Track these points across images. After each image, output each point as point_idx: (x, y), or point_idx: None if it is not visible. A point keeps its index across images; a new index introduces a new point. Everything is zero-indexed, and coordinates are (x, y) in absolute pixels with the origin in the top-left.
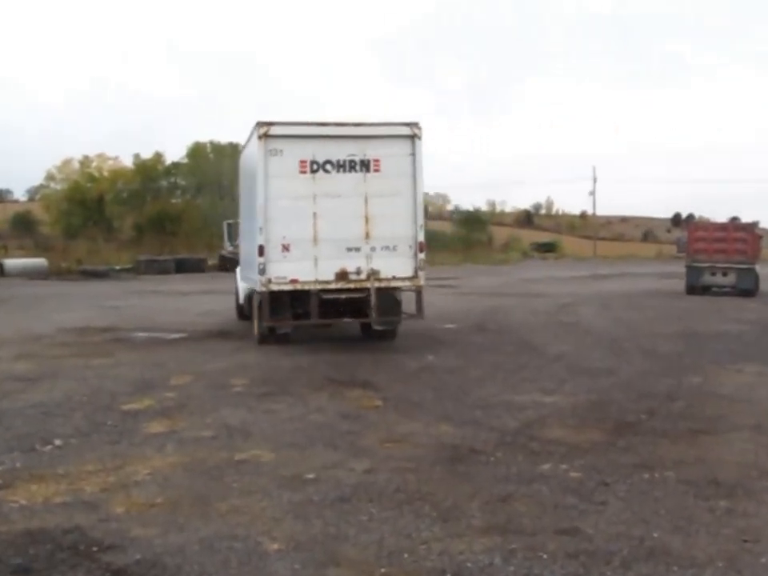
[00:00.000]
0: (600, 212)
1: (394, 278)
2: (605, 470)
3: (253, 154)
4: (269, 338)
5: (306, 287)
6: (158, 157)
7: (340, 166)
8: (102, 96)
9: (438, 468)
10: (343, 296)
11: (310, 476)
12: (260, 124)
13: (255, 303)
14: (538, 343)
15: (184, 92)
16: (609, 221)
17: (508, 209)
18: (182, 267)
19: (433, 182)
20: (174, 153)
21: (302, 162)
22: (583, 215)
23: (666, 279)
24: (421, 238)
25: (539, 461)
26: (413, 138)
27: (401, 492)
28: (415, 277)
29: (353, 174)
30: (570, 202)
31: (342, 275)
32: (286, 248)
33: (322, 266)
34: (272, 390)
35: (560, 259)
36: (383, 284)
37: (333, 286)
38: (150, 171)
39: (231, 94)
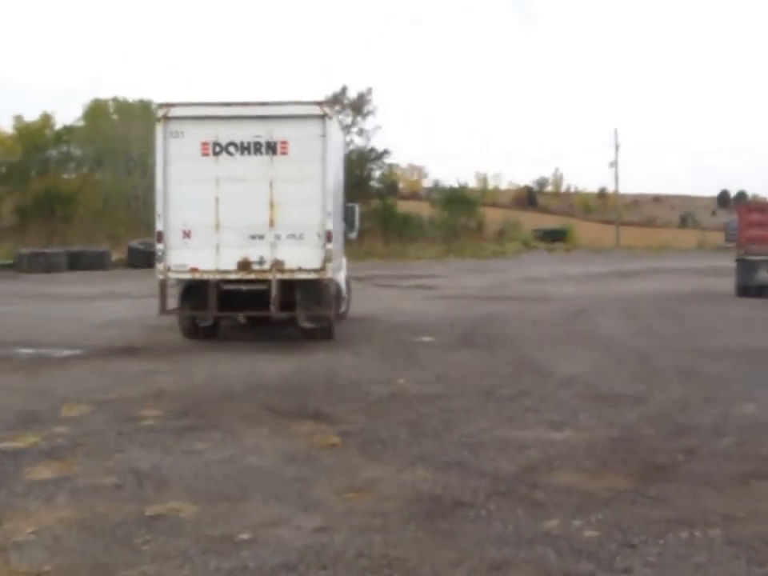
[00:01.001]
0: (624, 189)
1: (300, 269)
2: (630, 528)
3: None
4: (192, 331)
5: (206, 276)
6: (46, 119)
7: (244, 149)
8: None
9: (413, 526)
10: (244, 287)
11: (245, 536)
12: (160, 106)
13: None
14: (542, 362)
15: (78, 32)
16: (636, 200)
17: (504, 185)
18: (78, 263)
19: (406, 151)
20: (67, 114)
21: (204, 144)
22: (602, 193)
23: (709, 277)
24: (329, 226)
25: (544, 516)
26: (323, 117)
27: (363, 557)
28: (322, 269)
29: (258, 157)
30: (585, 176)
31: (244, 265)
32: (186, 234)
33: (224, 255)
34: (195, 424)
35: (572, 251)
36: (286, 275)
37: (233, 276)
38: (35, 138)
39: (142, 37)
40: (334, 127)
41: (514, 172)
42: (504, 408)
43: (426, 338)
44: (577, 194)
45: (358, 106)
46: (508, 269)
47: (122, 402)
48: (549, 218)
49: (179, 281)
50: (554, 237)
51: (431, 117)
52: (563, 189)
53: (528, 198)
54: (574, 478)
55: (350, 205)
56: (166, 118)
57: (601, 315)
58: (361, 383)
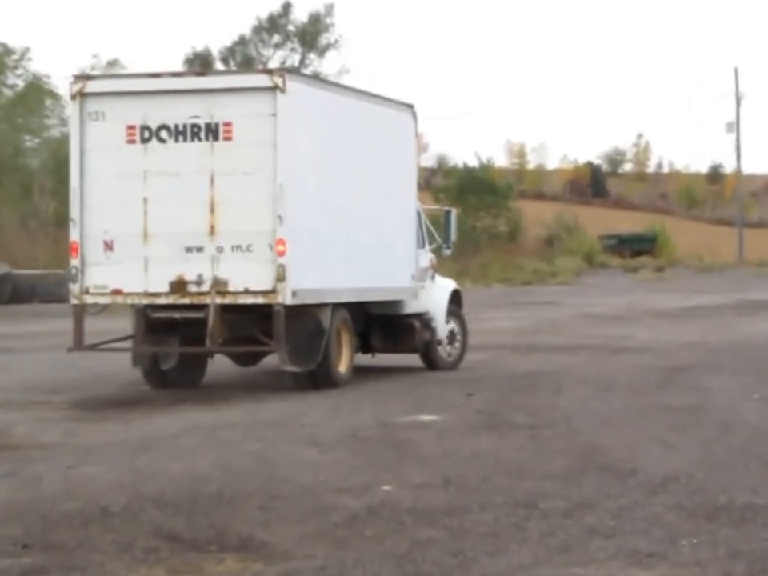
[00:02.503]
0: (751, 168)
1: (246, 290)
2: None
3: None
4: (153, 377)
5: (131, 301)
6: None
7: (179, 133)
8: None
9: None
10: (178, 315)
11: None
12: (74, 79)
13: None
14: (617, 453)
15: None
16: None
17: (552, 163)
18: None
19: None
20: None
21: (130, 127)
22: (715, 175)
23: None
24: (282, 234)
25: None
26: (274, 90)
27: None
28: (272, 291)
29: (196, 144)
30: (686, 147)
31: (179, 285)
32: (108, 246)
33: (153, 273)
34: (41, 566)
35: (666, 270)
36: (228, 299)
37: (164, 301)
38: None
39: None
40: (290, 102)
41: (568, 142)
42: (555, 530)
43: (427, 417)
44: (673, 176)
45: (310, 37)
46: (561, 300)
47: None
48: (627, 215)
49: (134, 307)
50: (637, 247)
51: (429, 54)
52: (650, 168)
53: (592, 184)
54: None
55: (445, 209)
56: (81, 94)
57: (713, 375)
58: (320, 490)
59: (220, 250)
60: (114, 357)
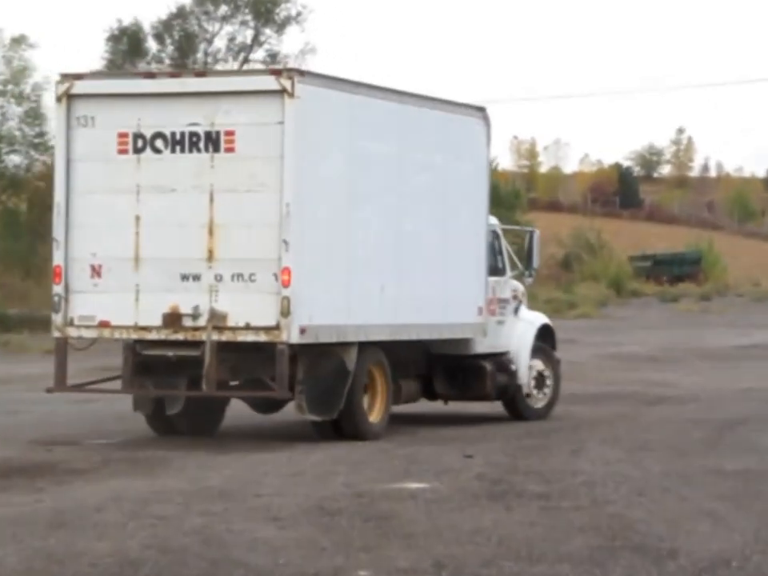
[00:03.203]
0: None
1: (248, 326)
2: None
3: None
4: (157, 423)
5: (119, 335)
6: None
7: (176, 143)
8: None
9: None
10: (171, 353)
11: None
12: (61, 78)
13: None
14: (653, 529)
15: None
16: None
17: (571, 165)
18: None
19: None
20: None
21: (122, 135)
22: None
23: None
24: (288, 262)
25: None
26: (282, 94)
27: None
28: (276, 328)
29: (194, 156)
30: (740, 147)
31: (173, 318)
32: (96, 271)
33: (145, 303)
34: None
35: (713, 298)
36: (226, 336)
37: (156, 336)
38: None
39: None
40: (301, 109)
41: (590, 140)
42: None
43: (416, 484)
44: (722, 181)
45: (266, 8)
46: (582, 337)
47: None
48: (665, 230)
49: (126, 344)
50: (677, 270)
51: (415, 31)
52: (693, 172)
53: (621, 192)
54: None
55: (527, 230)
56: (68, 95)
57: None
58: None
59: (219, 278)
60: (25, 403)
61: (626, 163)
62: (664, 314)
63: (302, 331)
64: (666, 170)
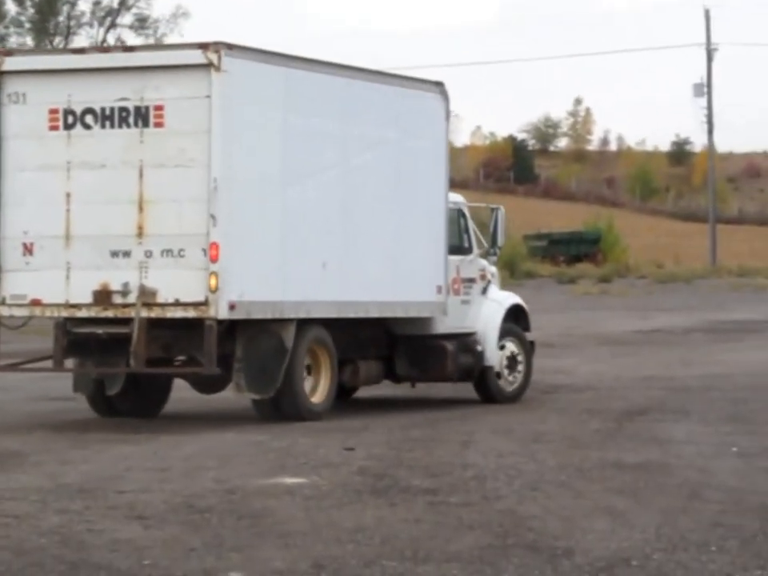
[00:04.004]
0: (726, 145)
1: (177, 302)
2: None
3: None
4: (98, 403)
5: (50, 313)
6: None
7: (106, 118)
8: None
9: None
10: (101, 330)
11: None
12: None
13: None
14: (548, 527)
15: None
16: (750, 165)
17: (461, 139)
18: None
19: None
20: None
21: (53, 111)
22: (680, 153)
23: None
24: (216, 237)
25: None
26: (209, 68)
27: None
28: (205, 303)
29: (124, 131)
30: (641, 117)
31: (103, 296)
32: (27, 249)
33: (75, 280)
34: None
35: (614, 280)
36: (155, 312)
37: (86, 313)
38: None
39: None
40: (228, 83)
41: (482, 112)
42: None
43: (292, 479)
44: (623, 155)
45: None
46: None
47: None
48: (562, 207)
49: (57, 322)
50: (574, 251)
51: None
52: (592, 145)
53: (515, 166)
54: None
55: (491, 207)
56: (0, 72)
57: (677, 422)
58: None
59: (149, 254)
60: None
61: (520, 136)
62: (561, 296)
63: (232, 307)
64: (562, 143)
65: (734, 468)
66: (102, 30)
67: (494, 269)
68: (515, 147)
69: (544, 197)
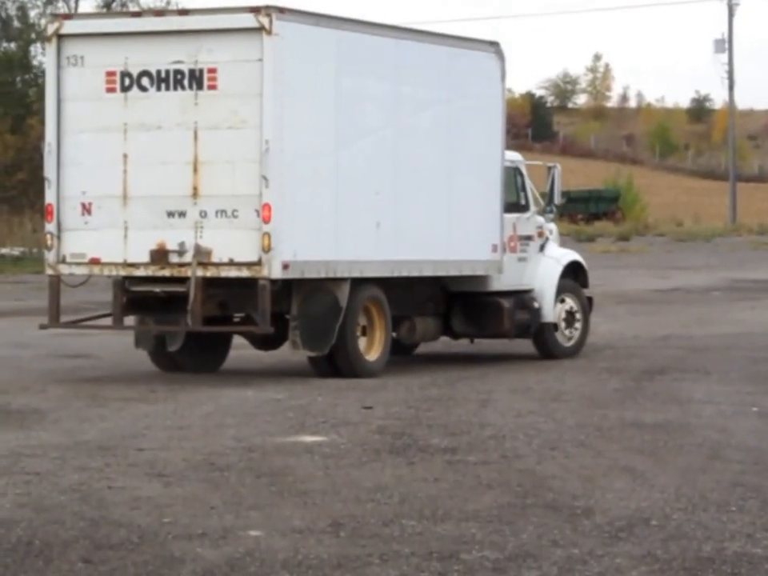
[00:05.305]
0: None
1: (231, 262)
2: None
3: None
4: (160, 359)
5: (109, 272)
6: None
7: (161, 80)
8: None
9: None
10: (158, 289)
11: None
12: (51, 18)
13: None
14: (567, 486)
15: None
16: None
17: None
18: None
19: None
20: None
21: (110, 74)
22: (699, 111)
23: None
24: (268, 198)
25: None
26: (260, 31)
27: None
28: (258, 263)
29: (179, 93)
30: (660, 73)
31: (160, 255)
32: (86, 209)
33: (133, 240)
34: None
35: (633, 238)
36: (210, 272)
37: (143, 273)
38: None
39: None
40: (280, 46)
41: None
42: None
43: (311, 438)
44: (642, 112)
45: None
46: None
47: None
48: (580, 165)
49: (115, 280)
50: (593, 209)
51: None
52: (611, 102)
53: (533, 123)
54: None
55: (548, 165)
56: (58, 35)
57: (696, 382)
58: (164, 537)
59: (203, 215)
60: None
61: (538, 92)
62: (579, 254)
63: (285, 266)
64: (581, 100)
65: (754, 428)
66: None
67: (552, 226)
68: (533, 104)
69: (562, 154)
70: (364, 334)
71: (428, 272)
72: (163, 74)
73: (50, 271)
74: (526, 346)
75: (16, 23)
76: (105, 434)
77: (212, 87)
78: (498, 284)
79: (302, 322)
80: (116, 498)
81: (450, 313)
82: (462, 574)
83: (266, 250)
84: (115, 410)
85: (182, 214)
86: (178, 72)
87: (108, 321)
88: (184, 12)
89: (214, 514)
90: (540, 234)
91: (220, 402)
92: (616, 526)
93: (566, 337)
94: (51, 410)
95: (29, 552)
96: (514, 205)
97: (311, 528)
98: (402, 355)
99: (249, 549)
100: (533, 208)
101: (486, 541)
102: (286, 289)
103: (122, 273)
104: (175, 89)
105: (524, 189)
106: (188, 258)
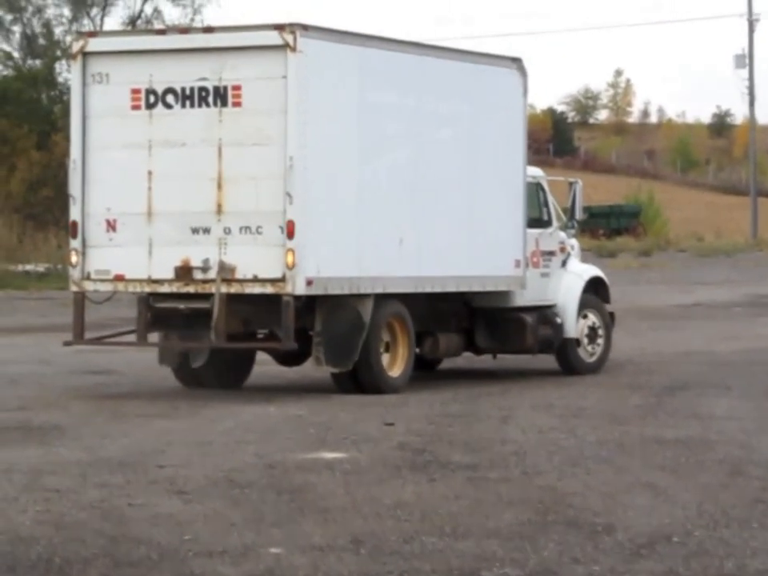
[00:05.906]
0: (767, 118)
1: (255, 278)
2: None
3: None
4: (184, 375)
5: (134, 288)
6: None
7: (186, 97)
8: None
9: None
10: (182, 305)
11: None
12: (77, 36)
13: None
14: (588, 503)
15: None
16: None
17: None
18: None
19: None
20: None
21: (135, 91)
22: (721, 125)
23: None
24: (292, 214)
25: None
26: (285, 48)
27: None
28: (282, 280)
29: (203, 110)
30: (681, 90)
31: (184, 271)
32: (111, 226)
33: (157, 256)
34: None
35: (653, 253)
36: (234, 288)
37: (167, 289)
38: None
39: None
40: (304, 63)
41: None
42: None
43: (332, 454)
44: (664, 127)
45: None
46: None
47: None
48: (602, 180)
49: (139, 297)
50: (615, 224)
51: None
52: (632, 118)
53: (554, 139)
54: None
55: (570, 180)
56: (84, 53)
57: (718, 397)
58: (185, 554)
59: (228, 231)
60: None
61: (560, 108)
62: (600, 270)
63: (309, 283)
64: (602, 115)
65: None
66: (139, 1)
67: (573, 241)
68: (555, 119)
69: (583, 170)
70: (387, 350)
71: (451, 288)
72: (188, 91)
73: (74, 288)
74: (548, 361)
75: (41, 40)
76: (126, 450)
77: (236, 104)
78: (521, 299)
79: (325, 338)
80: (136, 515)
81: (473, 328)
82: None
83: (290, 266)
84: (137, 426)
85: (207, 231)
86: (202, 89)
87: (132, 337)
88: (209, 29)
89: (234, 531)
90: (562, 250)
91: (241, 419)
92: (637, 542)
93: (589, 352)
94: (72, 426)
95: (49, 569)
96: (537, 220)
97: (332, 545)
98: (424, 370)
99: (269, 566)
100: (555, 223)
101: (507, 558)
102: (309, 305)
103: (147, 289)
104: (200, 106)
105: (546, 204)
106: (212, 274)
